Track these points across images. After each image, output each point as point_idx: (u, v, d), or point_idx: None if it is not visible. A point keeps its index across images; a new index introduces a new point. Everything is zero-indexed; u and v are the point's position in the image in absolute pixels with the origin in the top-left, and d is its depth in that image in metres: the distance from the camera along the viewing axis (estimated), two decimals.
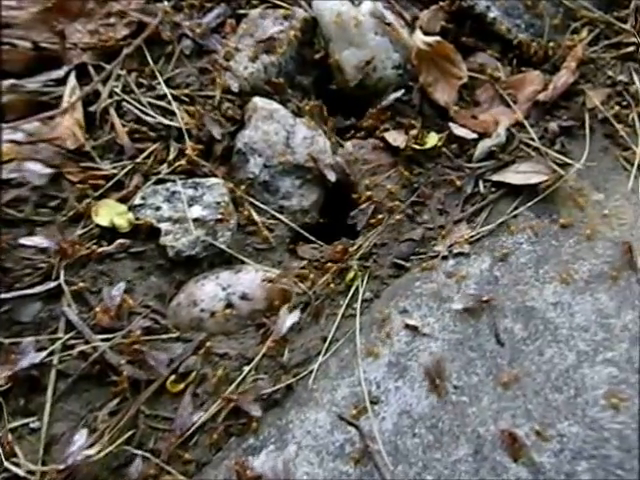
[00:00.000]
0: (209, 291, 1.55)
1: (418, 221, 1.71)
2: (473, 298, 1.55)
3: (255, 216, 1.67)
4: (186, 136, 1.69)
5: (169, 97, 1.73)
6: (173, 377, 1.46)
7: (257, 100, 1.76)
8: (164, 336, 1.51)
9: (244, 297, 1.55)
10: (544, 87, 1.87)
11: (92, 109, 1.70)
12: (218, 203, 1.62)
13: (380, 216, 1.69)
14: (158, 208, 1.60)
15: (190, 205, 1.60)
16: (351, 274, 1.61)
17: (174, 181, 1.64)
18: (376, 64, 1.83)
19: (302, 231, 1.71)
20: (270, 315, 1.56)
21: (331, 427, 1.41)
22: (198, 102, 1.75)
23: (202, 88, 1.78)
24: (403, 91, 1.83)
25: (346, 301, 1.58)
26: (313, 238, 1.70)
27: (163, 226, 1.58)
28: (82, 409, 1.43)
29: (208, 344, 1.50)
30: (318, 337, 1.54)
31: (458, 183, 1.74)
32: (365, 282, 1.61)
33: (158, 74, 1.77)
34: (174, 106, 1.72)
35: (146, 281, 1.57)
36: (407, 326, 1.53)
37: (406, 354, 1.50)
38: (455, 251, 1.64)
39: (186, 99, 1.75)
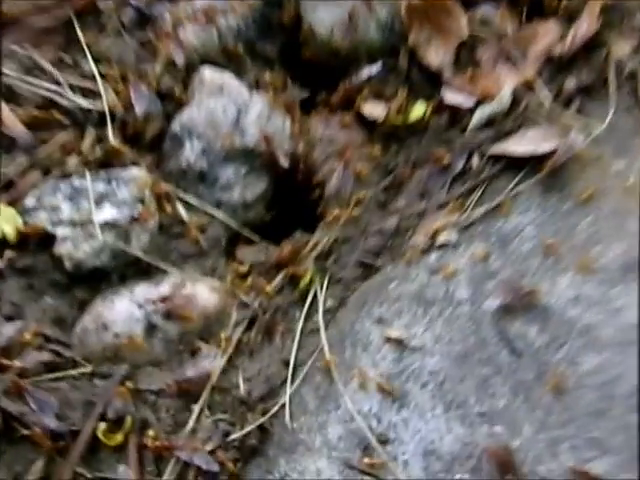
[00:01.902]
0: (122, 310, 1.27)
1: (391, 209, 1.41)
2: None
3: (183, 214, 1.40)
4: (108, 119, 1.42)
5: (96, 75, 1.46)
6: (104, 425, 1.19)
7: (205, 71, 1.49)
8: (73, 372, 1.25)
9: (169, 316, 1.27)
10: (560, 39, 1.56)
11: None
12: (135, 200, 1.34)
13: (342, 207, 1.41)
14: (56, 209, 1.32)
15: (98, 203, 1.32)
16: (306, 279, 1.34)
17: (82, 175, 1.36)
18: (358, 23, 1.54)
19: (243, 230, 1.44)
20: (208, 337, 1.30)
21: None
22: (131, 79, 1.47)
23: (140, 63, 1.51)
24: (380, 65, 1.55)
25: (303, 313, 1.32)
26: (257, 238, 1.43)
27: (59, 231, 1.30)
28: (5, 474, 1.17)
29: (134, 379, 1.24)
30: (277, 360, 1.27)
31: (446, 160, 1.43)
32: (325, 288, 1.34)
33: (86, 49, 1.49)
34: (99, 85, 1.44)
35: (38, 303, 1.30)
36: (389, 339, 1.25)
37: (398, 375, 1.22)
38: (439, 242, 1.34)
39: (116, 76, 1.47)
